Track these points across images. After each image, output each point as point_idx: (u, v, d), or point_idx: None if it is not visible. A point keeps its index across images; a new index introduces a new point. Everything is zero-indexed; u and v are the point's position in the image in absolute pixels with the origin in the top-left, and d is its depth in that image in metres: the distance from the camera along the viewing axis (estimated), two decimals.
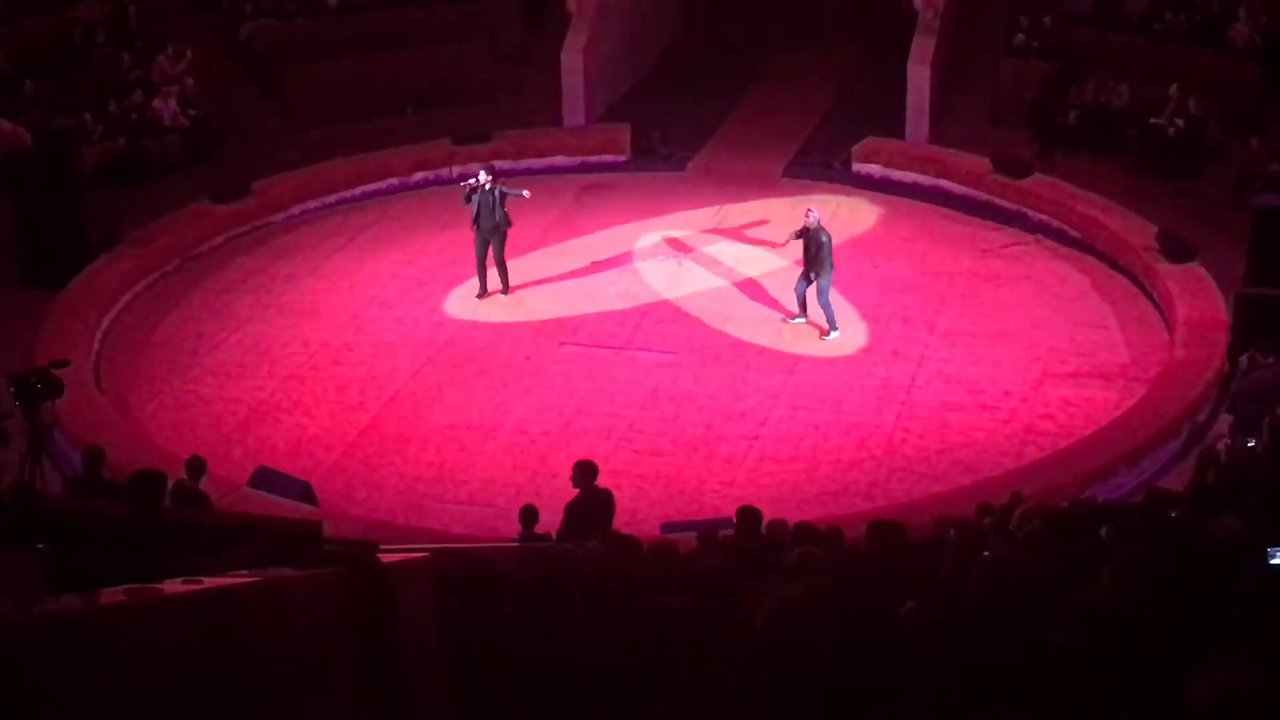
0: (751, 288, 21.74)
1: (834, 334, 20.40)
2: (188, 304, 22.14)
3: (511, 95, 27.92)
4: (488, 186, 21.11)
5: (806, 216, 20.36)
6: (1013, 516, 13.19)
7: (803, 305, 20.66)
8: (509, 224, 21.33)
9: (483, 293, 21.65)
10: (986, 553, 8.26)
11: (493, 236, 21.32)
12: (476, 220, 21.22)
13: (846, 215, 24.43)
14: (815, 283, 20.34)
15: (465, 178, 22.26)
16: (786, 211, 23.48)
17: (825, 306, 20.40)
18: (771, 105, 28.31)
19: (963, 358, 20.12)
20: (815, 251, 20.18)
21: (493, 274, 21.60)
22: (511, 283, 21.81)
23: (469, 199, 21.16)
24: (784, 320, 20.77)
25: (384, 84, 27.32)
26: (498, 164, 25.68)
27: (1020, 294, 21.86)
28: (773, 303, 21.22)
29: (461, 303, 21.70)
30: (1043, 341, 20.43)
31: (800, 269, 20.62)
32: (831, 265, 20.27)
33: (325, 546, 8.11)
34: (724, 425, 18.71)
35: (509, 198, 21.18)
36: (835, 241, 20.69)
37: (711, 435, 18.52)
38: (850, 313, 21.23)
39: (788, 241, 20.70)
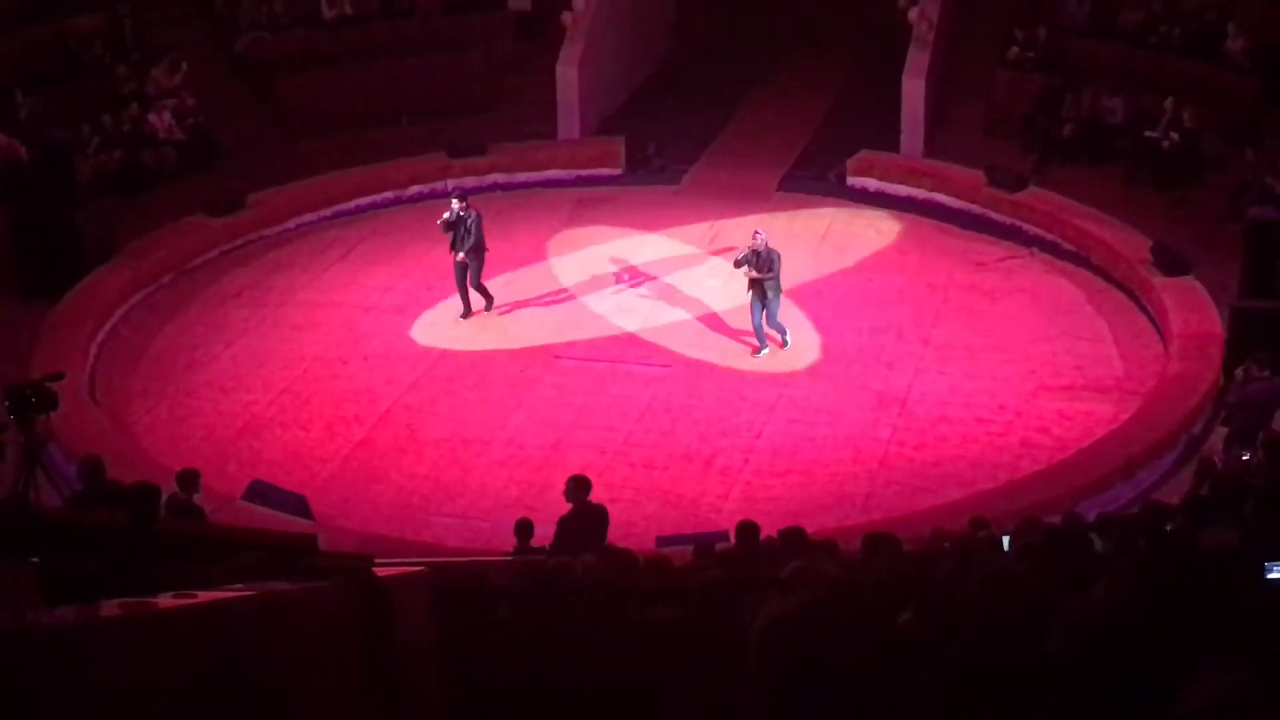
0: (745, 303, 21.62)
1: (765, 351, 20.29)
2: (183, 317, 22.12)
3: (507, 107, 27.93)
4: (461, 213, 21.08)
5: (754, 238, 19.95)
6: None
7: (760, 334, 20.37)
8: (484, 249, 21.27)
9: (466, 313, 21.58)
10: (982, 564, 8.25)
11: (470, 261, 21.28)
12: (454, 246, 21.18)
13: (841, 229, 24.45)
14: (766, 306, 20.06)
15: (460, 190, 22.25)
16: (781, 225, 23.54)
17: (776, 327, 20.27)
18: (766, 118, 28.33)
19: (958, 371, 20.12)
20: (766, 271, 19.79)
21: (476, 296, 21.56)
22: (506, 294, 21.82)
23: (447, 229, 21.14)
24: (753, 354, 20.47)
25: (379, 96, 27.34)
26: (492, 178, 25.77)
27: (1015, 307, 21.87)
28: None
29: (457, 317, 21.67)
30: (1038, 355, 20.44)
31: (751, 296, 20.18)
32: (779, 285, 20.06)
33: (320, 560, 8.10)
34: (719, 439, 18.70)
35: (478, 226, 21.15)
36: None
37: (707, 448, 18.51)
38: (846, 326, 21.26)
39: (743, 267, 19.96)
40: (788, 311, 20.77)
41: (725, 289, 22.04)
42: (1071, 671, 4.30)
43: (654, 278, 22.81)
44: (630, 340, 21.03)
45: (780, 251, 20.15)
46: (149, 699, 5.02)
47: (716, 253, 23.45)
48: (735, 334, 20.94)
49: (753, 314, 20.26)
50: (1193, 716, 3.39)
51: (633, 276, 22.89)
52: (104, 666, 4.87)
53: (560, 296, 22.33)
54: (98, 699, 4.78)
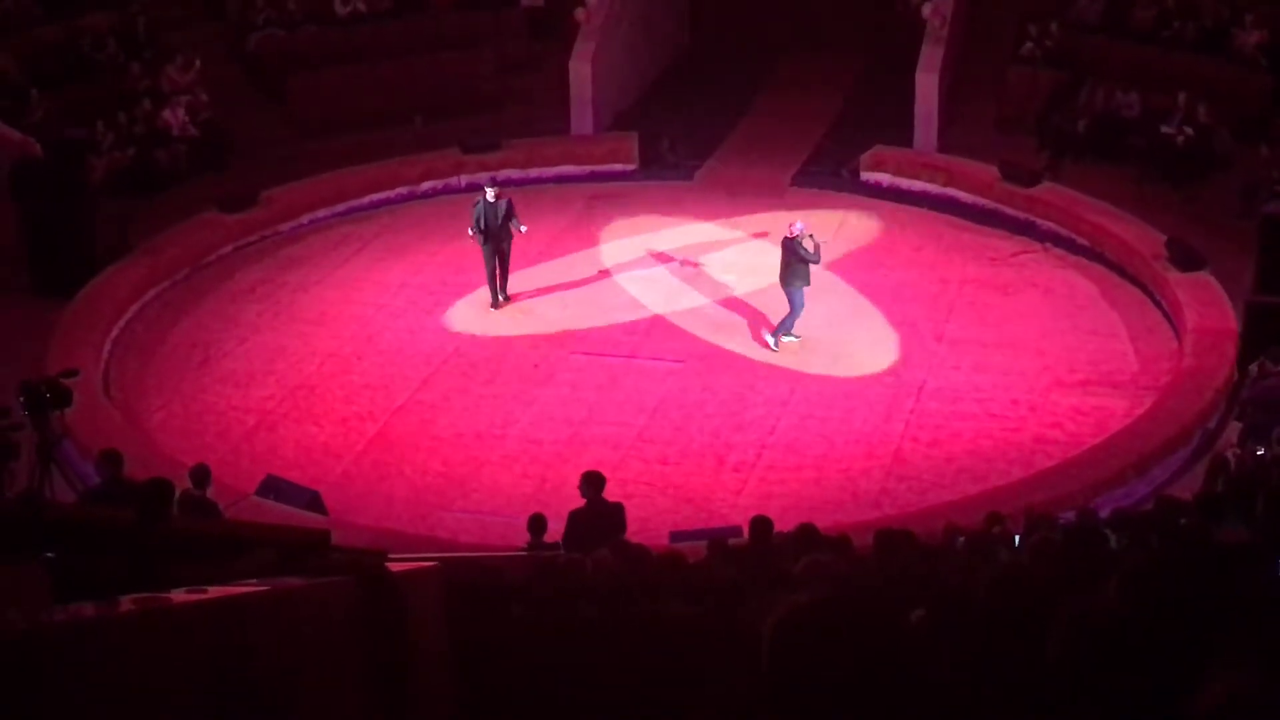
0: (759, 299, 21.65)
1: (787, 339, 20.24)
2: (196, 313, 22.16)
3: (520, 104, 27.95)
4: (492, 200, 21.12)
5: (791, 229, 19.93)
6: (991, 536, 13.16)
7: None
8: (511, 236, 21.35)
9: (495, 303, 21.65)
10: (996, 560, 8.24)
11: (499, 248, 21.35)
12: (484, 234, 21.21)
13: (855, 224, 24.43)
14: (794, 292, 20.03)
15: (474, 187, 22.26)
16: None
17: (795, 314, 20.19)
18: (779, 113, 28.29)
19: (971, 366, 20.10)
20: (800, 258, 19.83)
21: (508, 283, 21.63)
22: (520, 290, 21.86)
23: (477, 217, 21.17)
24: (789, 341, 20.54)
25: (392, 93, 27.37)
26: (506, 173, 25.76)
27: (1029, 303, 21.84)
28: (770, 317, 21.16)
29: (469, 312, 21.71)
30: (1052, 350, 20.40)
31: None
32: (808, 278, 20.03)
33: (333, 555, 8.11)
34: (732, 434, 18.70)
35: (513, 221, 21.24)
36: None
37: (720, 444, 18.51)
38: (859, 322, 21.24)
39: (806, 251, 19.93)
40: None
41: (740, 283, 22.06)
42: (1074, 673, 4.29)
43: (667, 273, 22.80)
44: (644, 335, 21.01)
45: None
46: (163, 693, 5.03)
47: (728, 242, 23.47)
48: (749, 329, 20.93)
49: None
50: (1203, 717, 3.38)
51: (646, 272, 22.87)
52: (117, 663, 4.88)
53: (573, 292, 22.32)
54: (110, 695, 4.79)
